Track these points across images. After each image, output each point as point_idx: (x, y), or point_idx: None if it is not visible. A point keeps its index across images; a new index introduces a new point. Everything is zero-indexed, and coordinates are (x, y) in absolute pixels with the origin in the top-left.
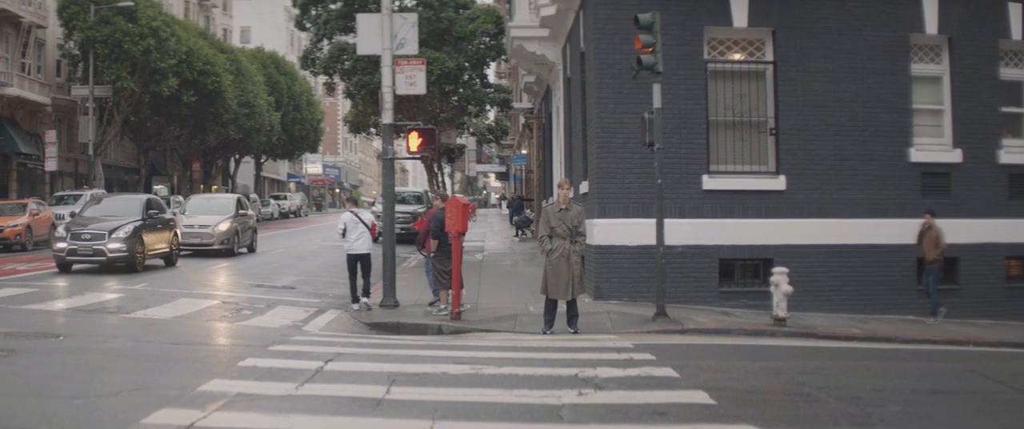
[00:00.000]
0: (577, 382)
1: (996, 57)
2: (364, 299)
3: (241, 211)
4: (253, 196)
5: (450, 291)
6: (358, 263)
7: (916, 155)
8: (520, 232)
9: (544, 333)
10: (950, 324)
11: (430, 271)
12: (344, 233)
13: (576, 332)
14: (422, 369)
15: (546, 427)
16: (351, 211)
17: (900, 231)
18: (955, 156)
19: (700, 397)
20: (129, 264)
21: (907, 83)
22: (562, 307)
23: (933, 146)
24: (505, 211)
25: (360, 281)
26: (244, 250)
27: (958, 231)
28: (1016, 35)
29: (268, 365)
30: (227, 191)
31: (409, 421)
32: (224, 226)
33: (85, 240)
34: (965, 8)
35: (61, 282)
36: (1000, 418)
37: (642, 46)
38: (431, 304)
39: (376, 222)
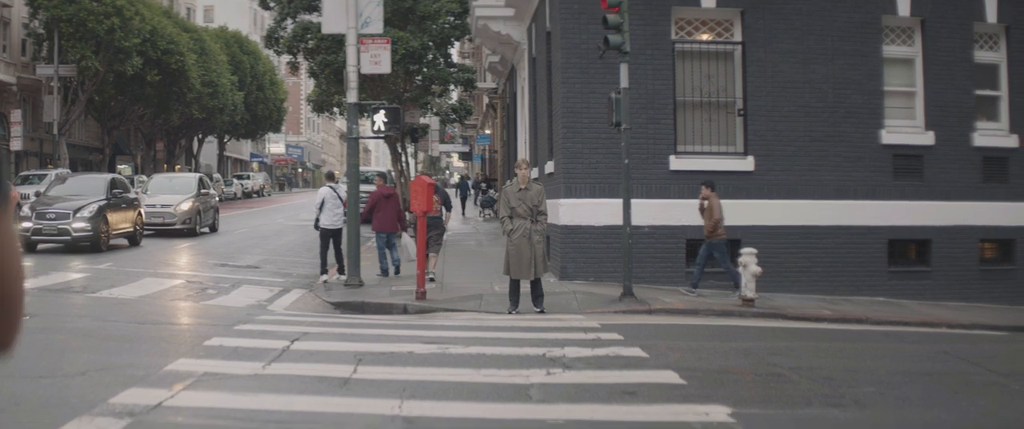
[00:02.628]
0: (545, 362)
1: (971, 39)
2: (339, 276)
3: (203, 191)
4: (216, 176)
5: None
6: (331, 238)
7: (887, 137)
8: (463, 214)
9: (510, 313)
10: (923, 306)
11: (382, 248)
12: (322, 207)
13: (542, 311)
14: (389, 348)
15: (515, 407)
16: (330, 186)
17: (871, 213)
18: (928, 138)
19: (670, 377)
20: (94, 243)
21: (878, 65)
22: (527, 287)
23: (905, 128)
24: (470, 192)
25: (332, 258)
26: (206, 230)
27: (931, 213)
28: (991, 18)
29: (234, 344)
30: (190, 171)
31: (377, 400)
32: (186, 206)
33: (50, 219)
34: None
35: (26, 262)
36: (976, 400)
37: (608, 5)
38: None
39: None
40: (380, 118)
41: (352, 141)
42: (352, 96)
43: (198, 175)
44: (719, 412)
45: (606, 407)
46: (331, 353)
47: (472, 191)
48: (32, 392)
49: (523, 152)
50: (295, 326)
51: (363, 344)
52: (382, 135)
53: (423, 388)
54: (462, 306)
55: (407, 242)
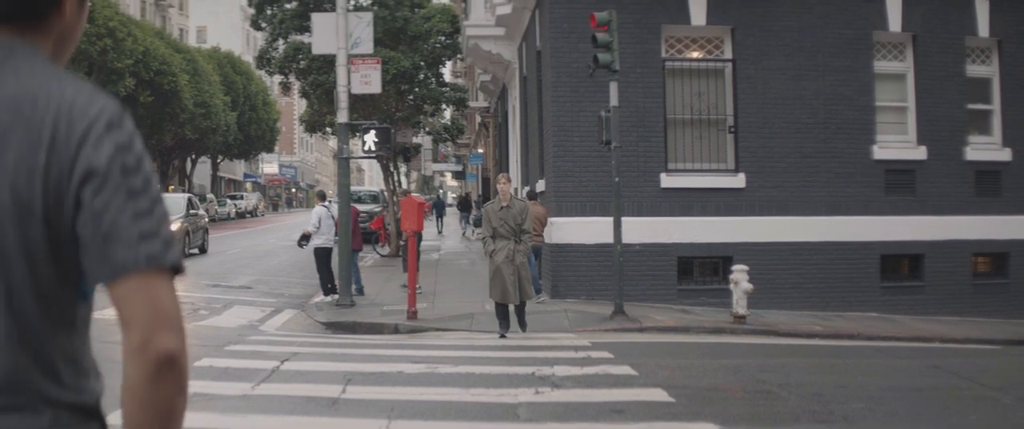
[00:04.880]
0: (534, 380)
1: (962, 54)
2: (335, 295)
3: (192, 211)
4: (210, 196)
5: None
6: (330, 255)
7: (879, 152)
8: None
9: (501, 337)
10: (916, 321)
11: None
12: (318, 227)
13: (523, 330)
14: (378, 368)
15: (503, 425)
16: (324, 206)
17: (863, 228)
18: (920, 153)
19: (659, 395)
20: None
21: (870, 81)
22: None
23: (897, 143)
24: (446, 210)
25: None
26: (195, 250)
27: (923, 228)
28: (983, 32)
29: (224, 365)
30: (184, 191)
31: (364, 420)
32: (175, 226)
33: None
34: (930, 5)
35: None
36: (967, 414)
37: (597, 24)
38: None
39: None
40: (370, 138)
41: (343, 161)
42: (342, 116)
43: (187, 195)
44: None
45: (594, 425)
46: (320, 373)
47: (454, 209)
48: None
49: (515, 171)
50: (286, 346)
51: (353, 364)
52: (372, 155)
53: (411, 408)
54: (453, 325)
55: None
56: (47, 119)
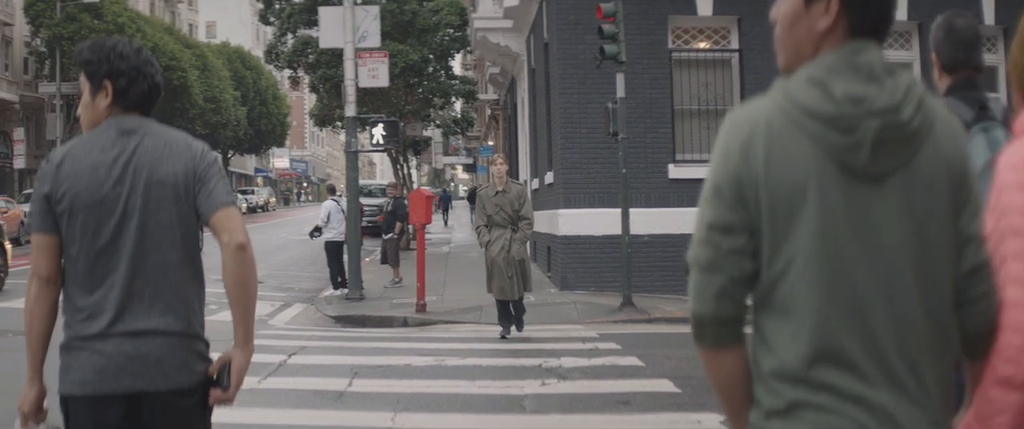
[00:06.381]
0: (540, 372)
1: None
2: (345, 289)
3: None
4: None
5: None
6: (342, 249)
7: None
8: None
9: (502, 337)
10: None
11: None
12: (328, 220)
13: (520, 331)
14: (385, 361)
15: (508, 417)
16: (334, 200)
17: None
18: None
19: (665, 386)
20: None
21: None
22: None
23: None
24: (451, 204)
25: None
26: None
27: None
28: (989, 19)
29: None
30: None
31: (370, 413)
32: None
33: None
34: None
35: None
36: None
37: (603, 16)
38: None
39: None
40: (379, 131)
41: (351, 155)
42: (351, 110)
43: None
44: (711, 420)
45: (599, 416)
46: (328, 367)
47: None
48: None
49: (524, 163)
50: (294, 340)
51: (360, 357)
52: (381, 148)
53: (417, 400)
54: (462, 318)
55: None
56: (184, 148)
